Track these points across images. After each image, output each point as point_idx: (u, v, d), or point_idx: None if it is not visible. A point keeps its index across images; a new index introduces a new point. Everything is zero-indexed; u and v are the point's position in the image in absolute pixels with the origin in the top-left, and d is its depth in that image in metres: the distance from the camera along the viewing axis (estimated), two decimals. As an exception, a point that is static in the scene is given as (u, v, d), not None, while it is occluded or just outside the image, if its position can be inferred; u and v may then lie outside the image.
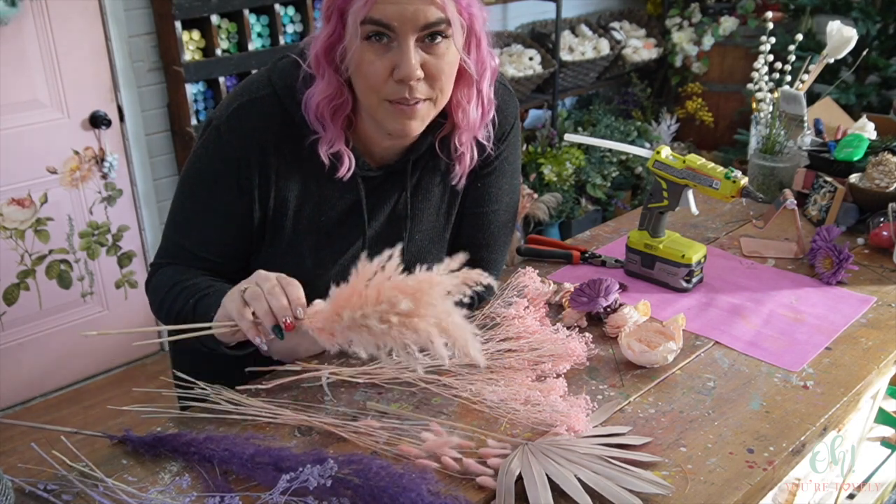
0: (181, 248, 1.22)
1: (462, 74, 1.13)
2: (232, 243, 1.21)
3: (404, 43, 1.04)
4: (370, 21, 1.03)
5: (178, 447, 1.04)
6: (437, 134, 1.21)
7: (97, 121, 2.80)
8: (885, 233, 1.59)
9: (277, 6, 2.95)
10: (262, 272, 1.07)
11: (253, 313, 1.04)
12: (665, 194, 1.45)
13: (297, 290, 1.05)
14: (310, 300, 1.27)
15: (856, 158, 1.75)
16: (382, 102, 1.09)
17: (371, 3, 1.02)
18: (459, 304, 1.30)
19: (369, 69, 1.06)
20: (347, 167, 1.16)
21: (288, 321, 1.02)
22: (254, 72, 2.91)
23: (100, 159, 2.86)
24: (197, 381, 1.15)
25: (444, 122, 1.20)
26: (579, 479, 0.96)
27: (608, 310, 1.33)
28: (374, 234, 1.25)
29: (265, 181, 1.17)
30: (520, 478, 0.97)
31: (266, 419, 1.11)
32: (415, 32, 1.04)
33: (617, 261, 1.57)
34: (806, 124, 1.81)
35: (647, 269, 1.50)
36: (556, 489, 0.95)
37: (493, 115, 1.24)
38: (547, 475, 0.97)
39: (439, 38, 1.06)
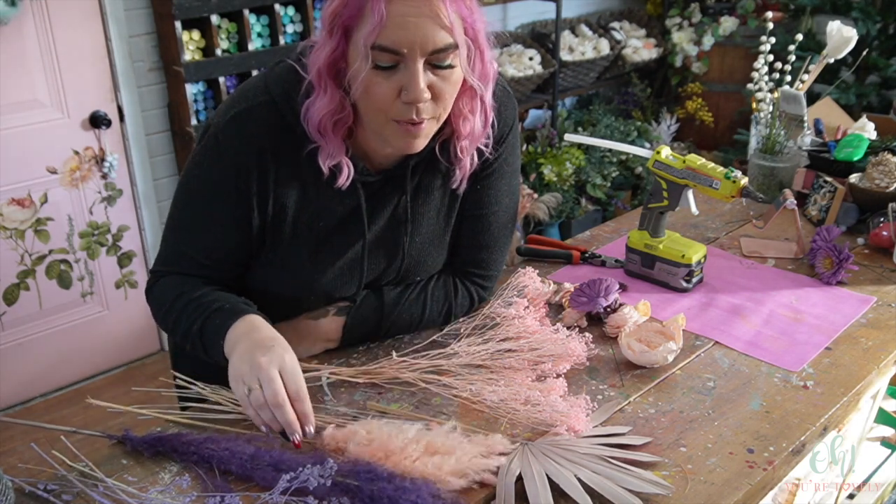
0: (181, 255, 1.22)
1: (465, 86, 1.13)
2: (232, 249, 1.21)
3: (413, 66, 1.04)
4: (379, 47, 1.02)
5: (178, 447, 1.04)
6: (437, 139, 1.21)
7: (97, 121, 2.80)
8: (885, 233, 1.59)
9: (277, 6, 2.95)
10: (262, 364, 1.03)
11: None
12: (665, 194, 1.45)
13: (304, 404, 1.02)
14: (309, 304, 1.27)
15: (856, 158, 1.75)
16: (389, 122, 1.09)
17: (380, 28, 1.01)
18: (453, 316, 1.32)
19: (377, 91, 1.06)
20: (346, 176, 1.16)
21: (297, 441, 1.02)
22: (253, 73, 2.91)
23: (100, 159, 2.86)
24: (196, 382, 1.15)
25: (445, 126, 1.19)
26: (579, 479, 0.96)
27: (608, 310, 1.33)
28: (374, 237, 1.25)
29: (263, 188, 1.16)
30: (520, 478, 0.97)
31: (266, 419, 1.11)
32: (423, 56, 1.04)
33: (617, 261, 1.57)
34: (806, 124, 1.81)
35: (647, 269, 1.50)
36: (556, 489, 0.95)
37: (493, 118, 1.23)
38: (547, 475, 0.97)
39: (446, 61, 1.06)
